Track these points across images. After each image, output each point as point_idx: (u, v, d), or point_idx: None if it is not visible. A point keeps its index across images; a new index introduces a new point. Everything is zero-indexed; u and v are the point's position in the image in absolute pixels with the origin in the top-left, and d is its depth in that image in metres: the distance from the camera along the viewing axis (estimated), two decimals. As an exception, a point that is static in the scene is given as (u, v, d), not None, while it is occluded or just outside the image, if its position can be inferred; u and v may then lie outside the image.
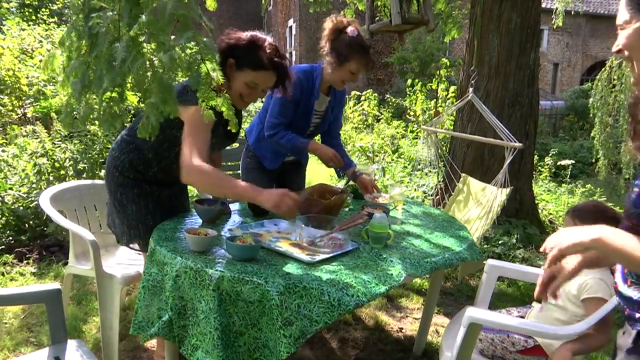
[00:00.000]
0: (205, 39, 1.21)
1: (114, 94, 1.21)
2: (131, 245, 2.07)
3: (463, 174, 3.13)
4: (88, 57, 1.21)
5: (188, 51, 1.18)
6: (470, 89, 3.35)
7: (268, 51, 1.85)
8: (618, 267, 1.15)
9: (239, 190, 1.73)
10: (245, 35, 1.86)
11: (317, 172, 6.00)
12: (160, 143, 1.89)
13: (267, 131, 2.42)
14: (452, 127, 4.27)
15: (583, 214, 1.67)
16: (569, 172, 6.86)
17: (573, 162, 7.26)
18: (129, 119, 4.73)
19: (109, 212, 2.13)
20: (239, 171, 2.72)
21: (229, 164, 3.14)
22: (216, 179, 1.72)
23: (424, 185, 5.65)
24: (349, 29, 2.26)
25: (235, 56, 1.82)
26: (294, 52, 19.42)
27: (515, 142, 2.86)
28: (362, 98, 11.11)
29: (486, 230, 2.76)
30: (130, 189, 1.98)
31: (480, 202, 2.83)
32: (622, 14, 1.06)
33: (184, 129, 1.74)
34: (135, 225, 1.99)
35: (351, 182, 2.55)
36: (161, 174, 2.00)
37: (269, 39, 1.89)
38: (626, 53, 1.06)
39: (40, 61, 6.01)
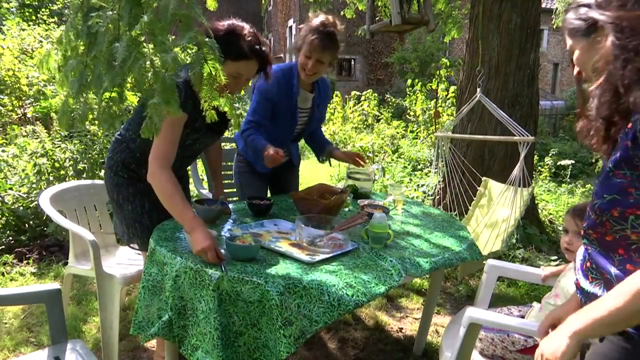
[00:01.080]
0: (207, 39, 1.21)
1: (114, 94, 1.21)
2: (131, 245, 2.08)
3: (484, 178, 3.10)
4: (86, 57, 1.21)
5: (190, 51, 1.18)
6: (478, 90, 3.35)
7: (248, 39, 1.79)
8: (578, 264, 1.15)
9: (183, 218, 1.67)
10: (223, 25, 1.80)
11: (317, 172, 6.01)
12: (145, 142, 1.82)
13: (241, 127, 2.43)
14: (452, 128, 4.27)
15: (583, 214, 1.67)
16: (569, 172, 6.86)
17: (573, 162, 7.25)
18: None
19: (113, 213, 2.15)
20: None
21: (229, 163, 3.13)
22: (169, 197, 1.70)
23: (424, 185, 5.65)
24: (314, 19, 2.28)
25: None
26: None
27: (528, 135, 2.80)
28: (362, 98, 11.12)
29: (511, 232, 2.72)
30: (126, 188, 1.99)
31: (503, 205, 2.80)
32: (568, 42, 1.19)
33: None
34: (132, 224, 2.01)
35: (350, 182, 2.55)
36: None
37: (247, 27, 1.84)
38: (579, 72, 1.18)
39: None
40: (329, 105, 11.07)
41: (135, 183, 1.99)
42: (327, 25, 2.25)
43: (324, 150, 2.66)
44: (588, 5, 1.10)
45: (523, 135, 2.83)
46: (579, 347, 1.00)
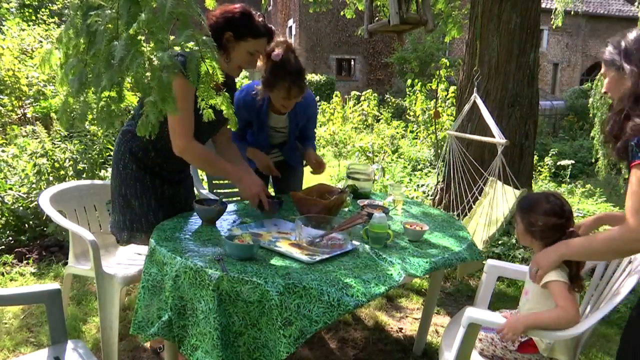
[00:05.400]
0: (204, 37, 1.21)
1: (113, 93, 1.21)
2: (132, 240, 2.09)
3: (491, 177, 3.12)
4: (86, 55, 1.21)
5: (187, 50, 1.18)
6: (475, 90, 3.37)
7: (260, 19, 1.97)
8: None
9: (228, 173, 2.00)
10: (235, 8, 1.94)
11: (317, 172, 6.00)
12: None
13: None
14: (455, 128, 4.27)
15: (525, 205, 1.74)
16: (569, 172, 6.86)
17: (573, 162, 7.25)
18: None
19: (112, 212, 2.17)
20: None
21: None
22: (208, 164, 1.98)
23: (423, 185, 5.66)
24: (273, 53, 2.15)
25: (233, 28, 1.90)
26: (293, 53, 19.39)
27: (502, 139, 2.98)
28: (362, 98, 11.12)
29: (493, 234, 2.74)
30: (134, 185, 2.03)
31: (500, 206, 2.82)
32: (602, 68, 1.58)
33: None
34: (138, 219, 2.05)
35: (350, 182, 2.55)
36: (160, 158, 2.04)
37: (251, 8, 1.99)
38: (609, 94, 1.56)
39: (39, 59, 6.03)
40: (328, 105, 11.09)
41: (142, 179, 2.04)
42: (290, 59, 2.19)
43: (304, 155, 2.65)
44: (619, 47, 1.48)
45: (502, 138, 3.03)
46: (560, 261, 1.56)
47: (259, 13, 1.98)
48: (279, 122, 2.51)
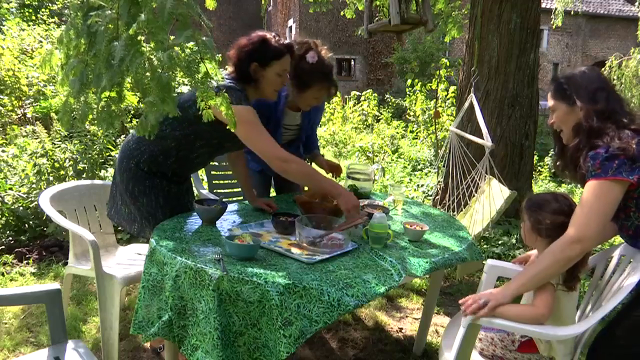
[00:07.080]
0: (204, 38, 1.21)
1: (113, 94, 1.21)
2: (142, 234, 2.10)
3: (488, 176, 3.13)
4: (86, 56, 1.21)
5: (187, 50, 1.18)
6: (472, 90, 3.37)
7: (276, 39, 1.99)
8: None
9: (324, 185, 1.94)
10: (250, 39, 1.99)
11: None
12: (186, 134, 1.97)
13: None
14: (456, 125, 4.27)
15: (534, 206, 1.72)
16: (569, 172, 6.84)
17: (573, 162, 7.22)
18: (129, 119, 4.73)
19: (111, 203, 2.17)
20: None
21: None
22: (311, 176, 1.94)
23: (423, 185, 5.66)
24: (309, 55, 2.20)
25: (257, 58, 1.95)
26: (293, 53, 19.41)
27: (489, 141, 3.06)
28: (362, 98, 11.12)
29: (478, 233, 2.75)
30: (142, 182, 2.04)
31: (492, 204, 2.83)
32: (550, 102, 1.69)
33: (240, 130, 1.79)
34: (147, 217, 2.06)
35: (350, 182, 2.55)
36: (177, 164, 2.05)
37: (264, 33, 2.03)
38: (556, 125, 1.69)
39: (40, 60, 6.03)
40: (328, 105, 11.10)
41: (152, 177, 2.05)
42: (323, 61, 2.25)
43: (310, 153, 2.70)
44: (569, 82, 1.61)
45: (491, 141, 3.14)
46: (516, 296, 1.55)
47: (273, 34, 2.01)
48: (294, 120, 2.52)
